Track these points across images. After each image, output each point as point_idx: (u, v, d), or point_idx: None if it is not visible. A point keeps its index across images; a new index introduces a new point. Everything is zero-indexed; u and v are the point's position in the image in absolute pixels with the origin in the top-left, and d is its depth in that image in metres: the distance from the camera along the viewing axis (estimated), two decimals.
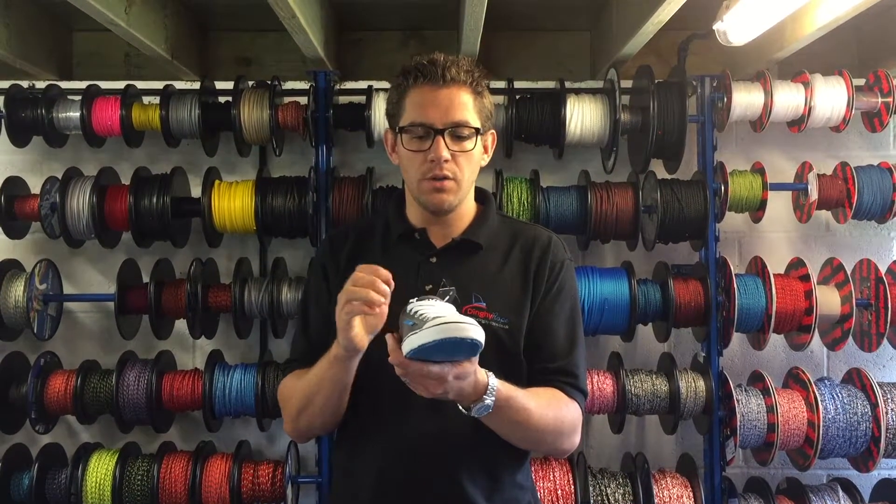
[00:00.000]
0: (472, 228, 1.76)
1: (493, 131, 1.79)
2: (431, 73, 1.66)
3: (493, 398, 1.52)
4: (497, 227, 1.80)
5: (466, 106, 1.67)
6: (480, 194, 1.83)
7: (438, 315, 1.42)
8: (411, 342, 1.41)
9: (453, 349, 1.41)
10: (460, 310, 1.60)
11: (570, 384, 1.70)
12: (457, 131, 1.66)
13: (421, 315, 1.44)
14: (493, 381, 1.53)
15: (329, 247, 1.82)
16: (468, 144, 1.68)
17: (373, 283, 1.48)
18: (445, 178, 1.66)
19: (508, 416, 1.58)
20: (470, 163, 1.69)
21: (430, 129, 1.65)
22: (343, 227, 1.94)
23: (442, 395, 1.48)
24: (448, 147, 1.65)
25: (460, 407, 1.54)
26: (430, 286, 1.67)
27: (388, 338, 1.48)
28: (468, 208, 1.78)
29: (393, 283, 1.50)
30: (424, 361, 1.43)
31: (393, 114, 1.73)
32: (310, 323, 1.78)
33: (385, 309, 1.50)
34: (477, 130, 1.68)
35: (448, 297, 1.52)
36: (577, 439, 1.72)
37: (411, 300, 1.50)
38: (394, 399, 1.57)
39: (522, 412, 1.59)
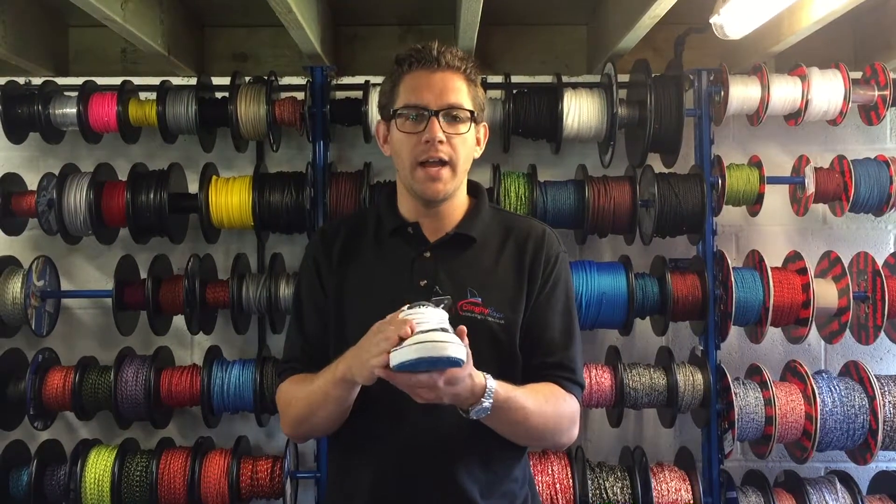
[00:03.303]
0: (466, 222, 1.74)
1: (485, 124, 1.77)
2: (426, 58, 1.65)
3: (491, 400, 1.51)
4: (490, 220, 1.78)
5: (461, 90, 1.66)
6: (472, 187, 1.81)
7: (423, 329, 1.43)
8: (394, 357, 1.43)
9: (434, 364, 1.42)
10: (455, 308, 1.59)
11: (567, 378, 1.70)
12: (451, 113, 1.65)
13: None
14: (491, 383, 1.51)
15: (321, 241, 1.80)
16: (462, 128, 1.66)
17: (405, 322, 1.44)
18: (441, 161, 1.64)
19: (507, 417, 1.57)
20: (465, 147, 1.67)
21: (425, 111, 1.64)
22: (334, 222, 1.92)
23: (436, 400, 1.47)
24: (443, 129, 1.64)
25: (459, 410, 1.54)
26: (425, 281, 1.67)
27: None
28: (461, 201, 1.76)
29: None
30: (411, 372, 1.44)
31: (385, 103, 1.72)
32: (304, 319, 1.76)
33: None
34: (472, 114, 1.67)
35: (443, 305, 1.51)
36: (575, 433, 1.72)
37: (403, 308, 1.49)
38: (390, 397, 1.56)
39: (521, 411, 1.58)
